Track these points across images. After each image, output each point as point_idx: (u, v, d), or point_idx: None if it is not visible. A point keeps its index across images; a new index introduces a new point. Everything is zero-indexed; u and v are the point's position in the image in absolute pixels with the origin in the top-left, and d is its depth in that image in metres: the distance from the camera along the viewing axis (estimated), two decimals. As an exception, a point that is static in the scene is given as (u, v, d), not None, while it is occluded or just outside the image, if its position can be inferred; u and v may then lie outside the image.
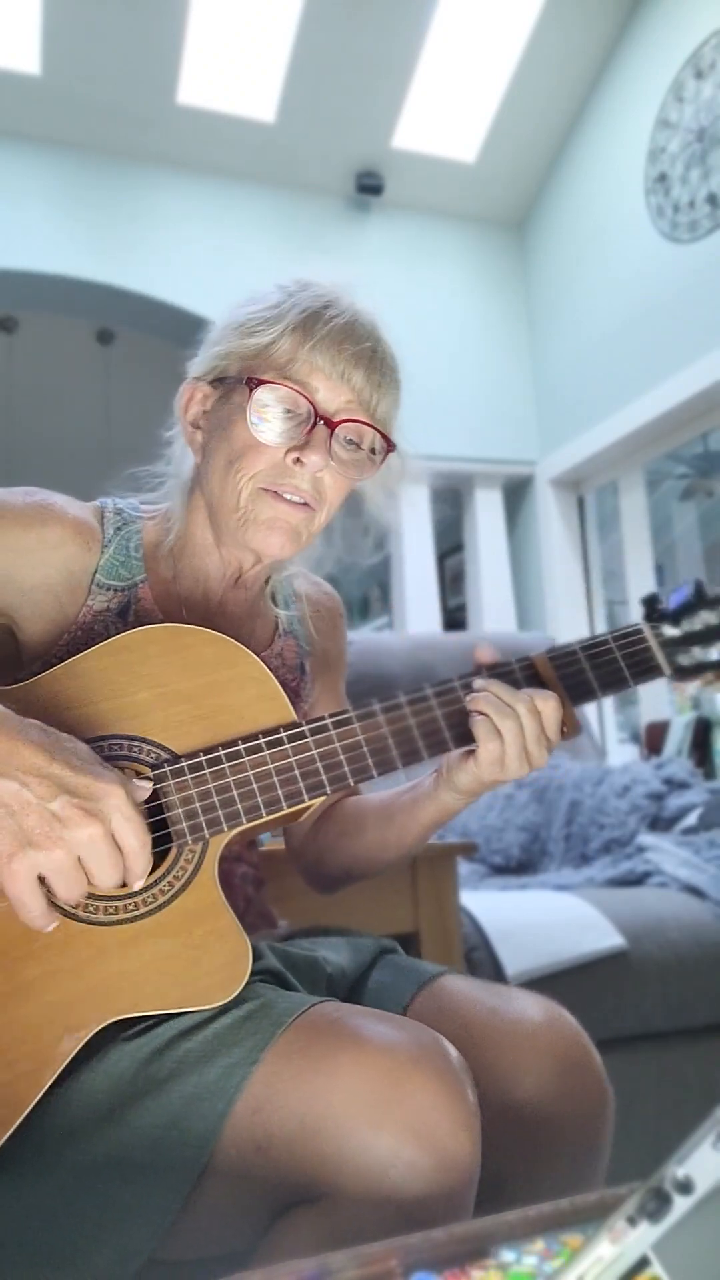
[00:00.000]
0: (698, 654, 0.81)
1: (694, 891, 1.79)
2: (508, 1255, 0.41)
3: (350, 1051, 0.64)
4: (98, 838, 0.66)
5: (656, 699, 3.95)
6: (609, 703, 4.36)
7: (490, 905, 1.69)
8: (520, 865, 2.17)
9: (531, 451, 4.62)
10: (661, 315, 3.80)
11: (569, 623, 4.19)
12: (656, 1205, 0.37)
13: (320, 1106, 0.62)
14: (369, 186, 4.43)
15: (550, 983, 1.53)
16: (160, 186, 4.24)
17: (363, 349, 0.85)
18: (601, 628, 4.38)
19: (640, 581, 4.01)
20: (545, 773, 2.26)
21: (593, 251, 4.26)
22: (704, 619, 0.82)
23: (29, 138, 4.03)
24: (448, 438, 4.51)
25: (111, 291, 4.08)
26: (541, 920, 1.65)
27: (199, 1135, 0.63)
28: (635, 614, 2.43)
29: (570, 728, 0.80)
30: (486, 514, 4.60)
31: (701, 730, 3.01)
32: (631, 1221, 0.38)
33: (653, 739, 3.21)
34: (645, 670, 0.81)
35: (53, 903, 0.69)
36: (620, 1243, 0.38)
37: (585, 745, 2.69)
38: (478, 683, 0.80)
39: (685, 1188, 0.37)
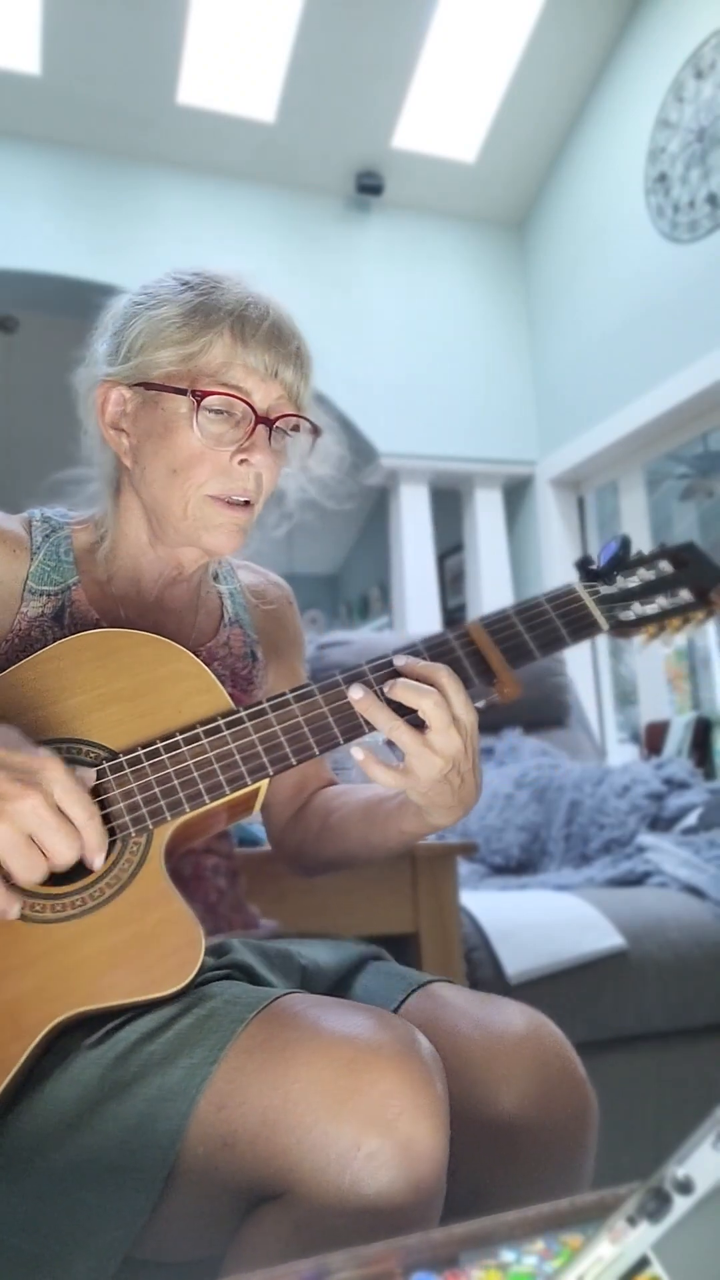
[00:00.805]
0: (637, 609, 0.84)
1: (694, 891, 1.80)
2: (508, 1255, 0.41)
3: (310, 1043, 0.63)
4: (40, 806, 0.66)
5: (657, 699, 3.95)
6: (609, 703, 4.36)
7: (490, 905, 1.69)
8: (520, 865, 2.17)
9: (531, 451, 4.62)
10: (661, 315, 3.80)
11: (569, 623, 4.19)
12: (656, 1205, 0.37)
13: (280, 1100, 0.61)
14: (369, 186, 4.43)
15: (550, 983, 1.53)
16: (160, 186, 4.25)
17: (291, 349, 0.88)
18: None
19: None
20: (545, 773, 2.26)
21: (593, 251, 4.26)
22: (641, 575, 0.85)
23: (29, 138, 4.03)
24: (448, 438, 4.51)
25: (111, 291, 4.05)
26: (541, 920, 1.65)
27: (166, 1136, 0.63)
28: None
29: (511, 690, 0.81)
30: (486, 514, 4.60)
31: (701, 730, 3.01)
32: (631, 1221, 0.38)
33: (653, 739, 3.21)
34: (582, 627, 0.83)
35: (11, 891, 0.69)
36: (620, 1243, 0.38)
37: (585, 745, 2.69)
38: (399, 663, 0.79)
39: (685, 1188, 0.37)
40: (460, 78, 4.14)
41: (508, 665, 0.82)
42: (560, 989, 1.52)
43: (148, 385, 0.87)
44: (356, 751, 0.79)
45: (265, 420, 0.86)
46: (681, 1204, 0.37)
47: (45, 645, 0.81)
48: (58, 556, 0.92)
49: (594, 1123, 0.79)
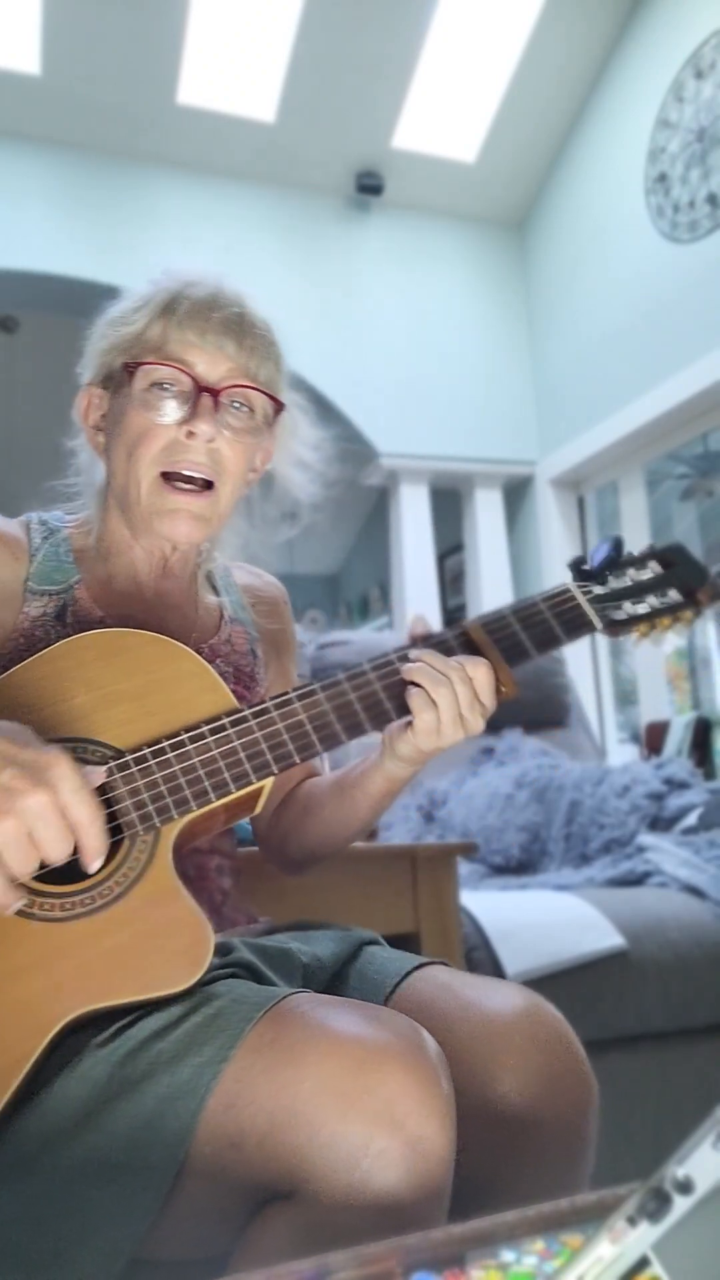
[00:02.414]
0: (629, 608, 0.86)
1: (694, 891, 1.80)
2: (508, 1255, 0.41)
3: (319, 1042, 0.63)
4: (46, 805, 0.66)
5: (657, 699, 3.95)
6: (609, 703, 4.36)
7: (490, 905, 1.69)
8: (520, 865, 2.16)
9: (531, 451, 4.62)
10: (661, 315, 3.80)
11: (569, 623, 4.19)
12: (656, 1205, 0.37)
13: (289, 1099, 0.62)
14: (369, 186, 4.43)
15: (550, 983, 1.53)
16: (160, 186, 4.25)
17: (228, 314, 0.88)
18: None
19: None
20: (545, 773, 2.26)
21: (593, 251, 4.26)
22: (632, 576, 0.88)
23: (29, 138, 4.03)
24: (448, 438, 4.51)
25: (111, 291, 4.03)
26: (541, 920, 1.65)
27: (174, 1134, 0.63)
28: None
29: (508, 688, 0.83)
30: (486, 514, 4.60)
31: (701, 730, 3.01)
32: (631, 1221, 0.38)
33: (653, 739, 3.21)
34: (576, 627, 0.86)
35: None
36: (620, 1243, 0.38)
37: (585, 745, 2.69)
38: (412, 654, 0.82)
39: (685, 1188, 0.37)
40: (460, 78, 4.14)
41: (505, 664, 0.83)
42: (560, 989, 1.52)
43: (111, 378, 0.90)
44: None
45: (209, 390, 0.86)
46: (681, 1204, 0.37)
47: (48, 644, 0.81)
48: (58, 557, 0.93)
49: (595, 1100, 0.79)
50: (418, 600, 4.39)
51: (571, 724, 2.72)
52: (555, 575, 4.36)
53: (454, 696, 0.79)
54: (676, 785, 2.17)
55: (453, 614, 4.92)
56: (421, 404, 4.48)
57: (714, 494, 4.57)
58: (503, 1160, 0.76)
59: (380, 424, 4.40)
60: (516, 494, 4.71)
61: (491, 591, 4.45)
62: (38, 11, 3.64)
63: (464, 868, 2.11)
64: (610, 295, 4.12)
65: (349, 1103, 0.60)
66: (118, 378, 0.90)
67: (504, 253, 4.79)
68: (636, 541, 4.59)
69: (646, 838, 2.01)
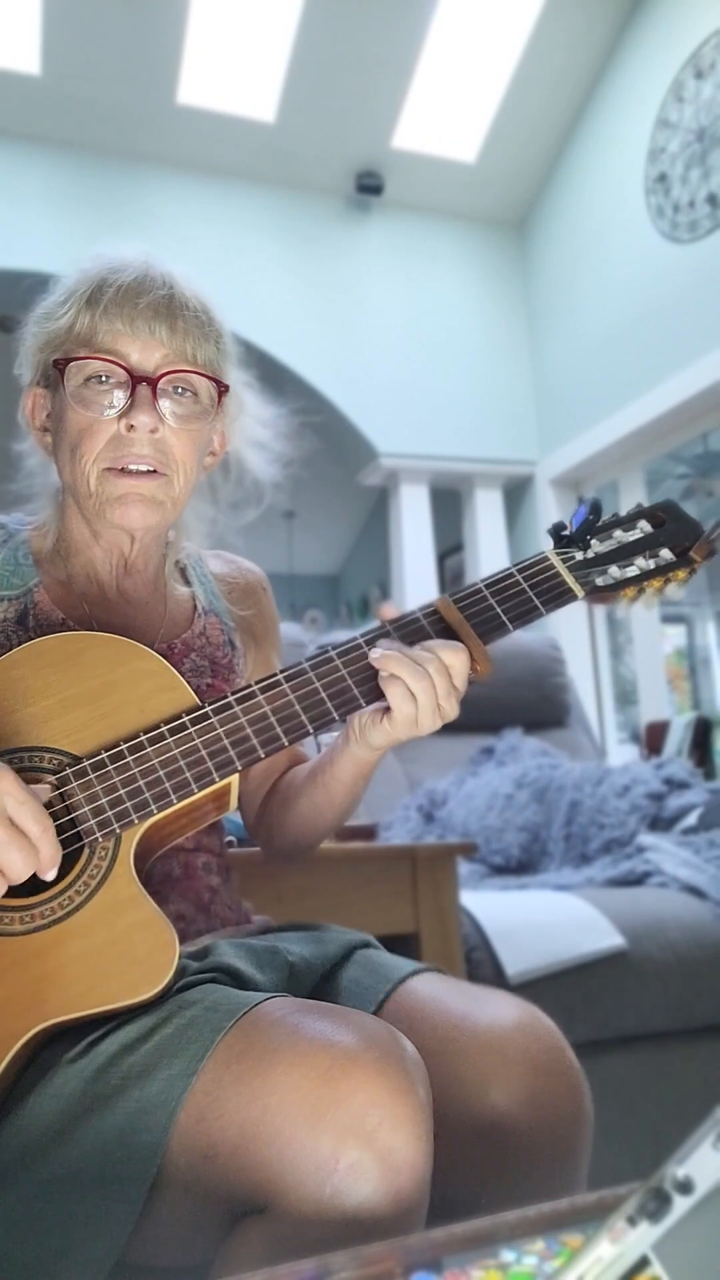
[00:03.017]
0: (615, 572, 0.82)
1: (694, 891, 1.79)
2: (508, 1255, 0.41)
3: (287, 1051, 0.62)
4: None
5: (657, 699, 3.95)
6: (609, 703, 4.36)
7: (490, 905, 1.69)
8: (520, 865, 2.16)
9: (531, 451, 4.62)
10: (661, 315, 3.80)
11: (569, 622, 4.19)
12: (656, 1205, 0.37)
13: (259, 1111, 0.61)
14: (369, 186, 4.43)
15: (550, 983, 1.53)
16: (160, 186, 4.25)
17: (156, 298, 0.84)
18: (602, 627, 4.38)
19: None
20: (545, 773, 2.26)
21: (593, 251, 4.26)
22: (618, 538, 0.83)
23: (29, 138, 4.03)
24: (448, 438, 4.51)
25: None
26: (541, 920, 1.65)
27: (146, 1148, 0.62)
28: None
29: (483, 666, 0.80)
30: (486, 514, 4.60)
31: (701, 730, 3.01)
32: (631, 1221, 0.38)
33: (653, 739, 3.21)
34: (556, 596, 0.82)
35: None
36: (620, 1243, 0.38)
37: (585, 745, 2.69)
38: (383, 642, 0.79)
39: (685, 1188, 0.37)
40: (460, 77, 4.14)
41: (480, 641, 0.80)
42: (560, 989, 1.52)
43: (47, 377, 0.88)
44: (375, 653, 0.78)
45: (145, 379, 0.84)
46: (681, 1204, 0.37)
47: (9, 650, 0.80)
48: (16, 560, 0.91)
49: (588, 1116, 0.78)
50: (418, 600, 4.35)
51: (571, 724, 2.72)
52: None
53: (432, 688, 0.77)
54: (676, 785, 2.17)
55: (453, 614, 4.92)
56: (421, 404, 4.48)
57: (714, 494, 4.57)
58: (493, 1173, 0.75)
59: (380, 424, 4.40)
60: (516, 494, 4.71)
61: (491, 591, 4.45)
62: (38, 11, 3.64)
63: (464, 868, 2.10)
64: (610, 295, 4.12)
65: (318, 1115, 0.59)
66: (53, 375, 0.87)
67: (504, 253, 4.79)
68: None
69: (646, 838, 2.01)
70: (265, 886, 1.12)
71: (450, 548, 4.94)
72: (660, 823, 2.10)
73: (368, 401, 4.37)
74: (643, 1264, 0.37)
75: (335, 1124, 0.59)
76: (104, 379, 0.84)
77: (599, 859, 2.04)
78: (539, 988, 1.51)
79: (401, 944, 1.32)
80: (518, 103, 4.22)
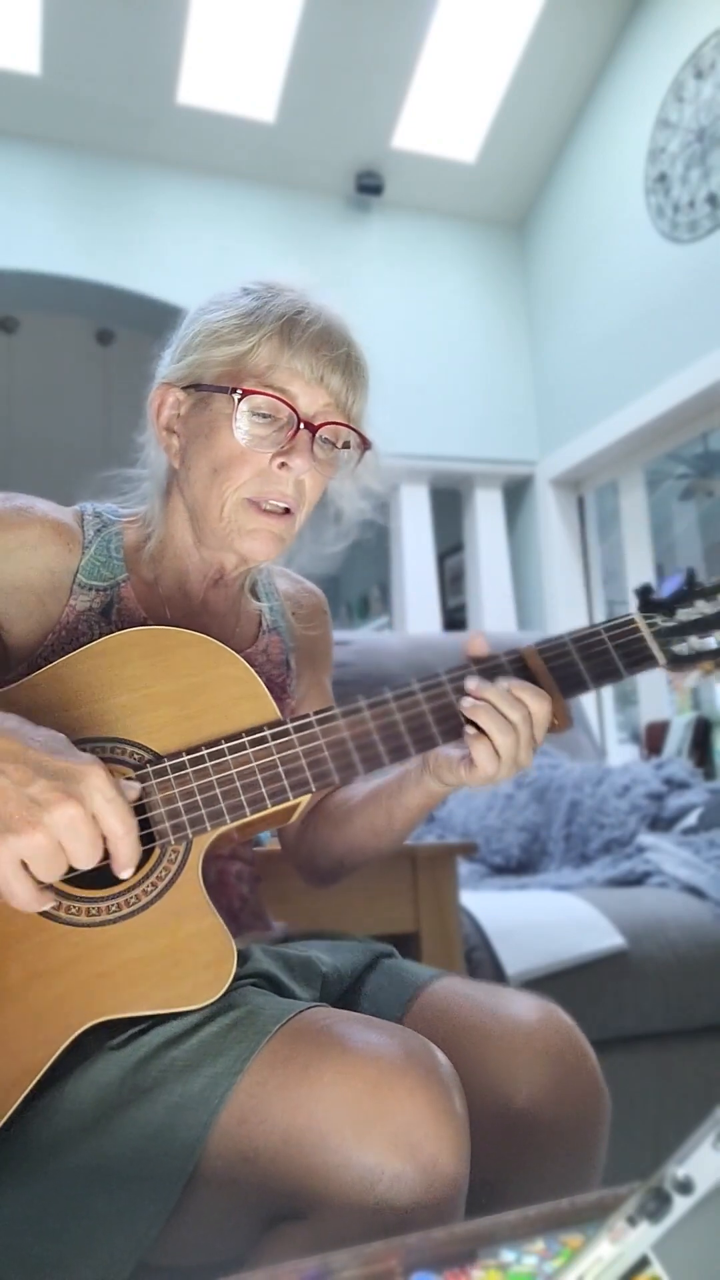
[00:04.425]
0: (695, 643, 0.81)
1: (694, 891, 1.79)
2: (508, 1255, 0.41)
3: (334, 1061, 0.63)
4: (77, 819, 0.65)
5: (657, 699, 3.95)
6: (609, 703, 4.36)
7: (490, 905, 1.69)
8: (520, 865, 2.16)
9: (531, 451, 4.62)
10: (661, 315, 3.80)
11: (569, 622, 4.19)
12: (656, 1205, 0.37)
13: (304, 1118, 0.61)
14: (369, 186, 4.43)
15: (550, 983, 1.53)
16: (160, 186, 4.25)
17: (339, 354, 0.87)
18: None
19: (640, 581, 4.00)
20: (545, 773, 2.26)
21: (593, 251, 4.26)
22: (700, 609, 0.82)
23: (29, 138, 4.03)
24: (448, 438, 4.51)
25: (111, 291, 4.08)
26: (541, 920, 1.65)
27: (184, 1146, 0.63)
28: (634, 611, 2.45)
29: (561, 721, 0.80)
30: (486, 514, 4.60)
31: (701, 730, 3.01)
32: (631, 1221, 0.38)
33: (653, 739, 3.21)
34: (639, 660, 0.81)
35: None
36: (620, 1243, 0.38)
37: (585, 745, 2.69)
38: (471, 685, 0.79)
39: (685, 1188, 0.37)
40: (460, 77, 4.14)
41: (561, 695, 0.80)
42: (560, 989, 1.52)
43: (199, 386, 0.88)
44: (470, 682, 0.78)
45: (308, 425, 0.85)
46: (681, 1204, 0.37)
47: (92, 640, 0.80)
48: (108, 552, 0.91)
49: (606, 1117, 0.80)
50: (418, 600, 4.39)
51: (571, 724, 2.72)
52: (555, 575, 4.36)
53: (516, 744, 0.77)
54: (676, 785, 2.17)
55: (453, 614, 4.92)
56: (421, 404, 4.48)
57: (714, 494, 4.57)
58: (515, 1168, 0.76)
59: (380, 424, 4.39)
60: (516, 494, 4.71)
61: (491, 591, 4.45)
62: (38, 11, 3.64)
63: (464, 868, 2.11)
64: (610, 295, 4.12)
65: (365, 1126, 0.60)
66: (208, 389, 0.87)
67: (504, 253, 4.79)
68: (637, 542, 4.55)
69: (646, 838, 2.01)
70: (270, 886, 1.12)
71: (450, 548, 4.94)
72: (660, 823, 2.10)
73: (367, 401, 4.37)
74: (643, 1264, 0.37)
75: (382, 1135, 0.60)
76: (269, 415, 0.85)
77: (599, 859, 2.04)
78: (539, 988, 1.50)
79: (401, 944, 1.32)
80: (518, 103, 4.22)
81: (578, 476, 4.47)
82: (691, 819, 2.07)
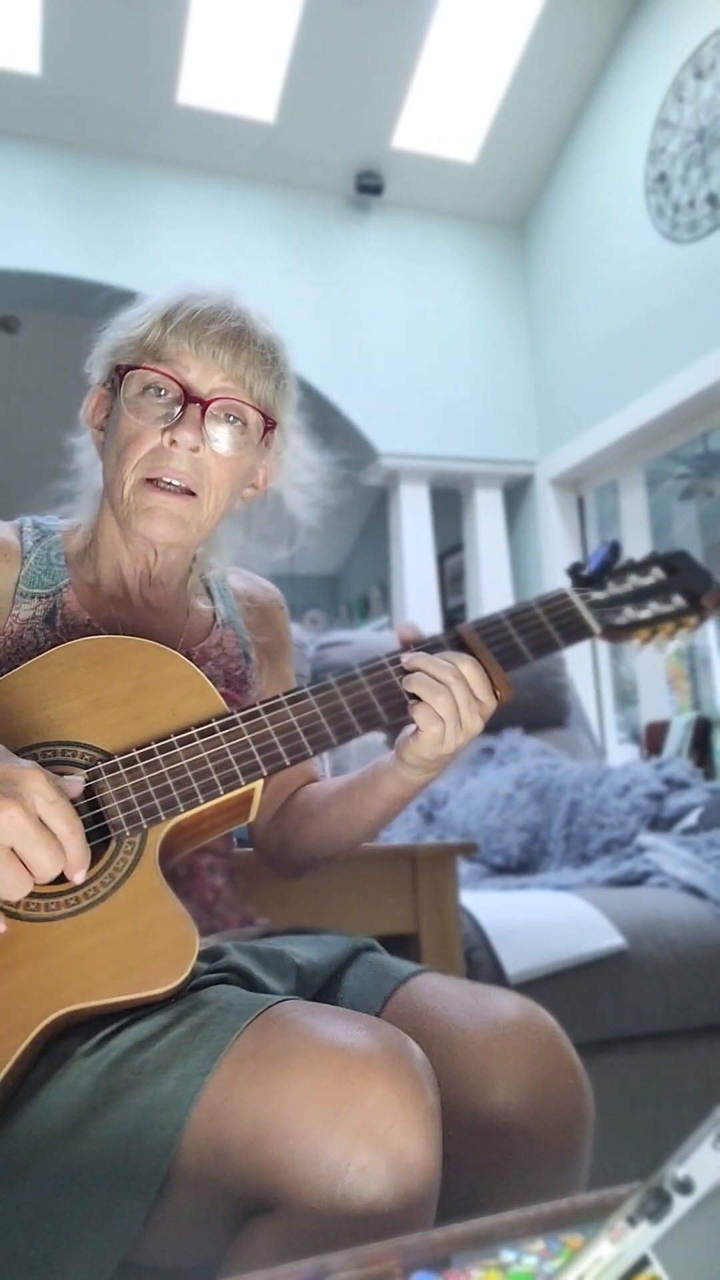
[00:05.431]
0: (629, 613, 0.86)
1: (694, 891, 1.79)
2: (508, 1255, 0.41)
3: (302, 1052, 0.63)
4: (18, 819, 0.66)
5: (657, 699, 3.96)
6: (609, 703, 4.36)
7: (490, 905, 1.69)
8: (520, 865, 2.16)
9: (531, 451, 4.62)
10: (661, 315, 3.80)
11: (569, 623, 4.19)
12: (656, 1205, 0.37)
13: (272, 1110, 0.61)
14: (369, 186, 4.43)
15: (550, 983, 1.53)
16: (160, 186, 4.25)
17: (227, 328, 0.88)
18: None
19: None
20: (545, 773, 2.26)
21: (593, 251, 4.26)
22: (634, 581, 0.87)
23: (29, 138, 4.03)
24: (447, 438, 4.51)
25: (111, 292, 4.07)
26: (541, 920, 1.65)
27: (159, 1145, 0.63)
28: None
29: (503, 692, 0.83)
30: (486, 514, 4.60)
31: (701, 730, 3.01)
32: (631, 1221, 0.38)
33: (653, 739, 3.21)
34: (574, 631, 0.86)
35: None
36: (620, 1243, 0.38)
37: (585, 745, 2.69)
38: (405, 658, 0.82)
39: (685, 1188, 0.37)
40: (460, 77, 4.14)
41: (500, 668, 0.83)
42: (560, 989, 1.52)
43: (111, 380, 0.91)
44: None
45: (197, 399, 0.87)
46: (681, 1204, 0.37)
47: (37, 648, 0.82)
48: (48, 560, 0.94)
49: (589, 1111, 0.78)
50: (418, 600, 4.39)
51: (571, 724, 2.72)
52: (556, 575, 4.36)
53: (454, 702, 0.79)
54: (676, 785, 2.17)
55: (453, 614, 4.92)
56: (421, 404, 4.48)
57: (714, 494, 4.57)
58: (496, 1170, 0.75)
59: (380, 424, 4.40)
60: (516, 494, 4.71)
61: (491, 591, 4.45)
62: (38, 11, 3.64)
63: (464, 868, 2.11)
64: (610, 295, 4.12)
65: (332, 1116, 0.60)
66: (114, 380, 0.91)
67: (504, 253, 4.79)
68: (637, 542, 4.56)
69: (646, 838, 2.01)
70: (269, 888, 1.12)
71: (450, 548, 4.94)
72: (660, 823, 2.10)
73: (367, 401, 4.37)
74: (643, 1264, 0.37)
75: (349, 1125, 0.60)
76: (160, 391, 0.87)
77: (599, 859, 2.04)
78: (539, 988, 1.51)
79: (401, 944, 1.32)
80: (518, 103, 4.22)
81: (578, 476, 4.47)
82: (691, 819, 2.07)
